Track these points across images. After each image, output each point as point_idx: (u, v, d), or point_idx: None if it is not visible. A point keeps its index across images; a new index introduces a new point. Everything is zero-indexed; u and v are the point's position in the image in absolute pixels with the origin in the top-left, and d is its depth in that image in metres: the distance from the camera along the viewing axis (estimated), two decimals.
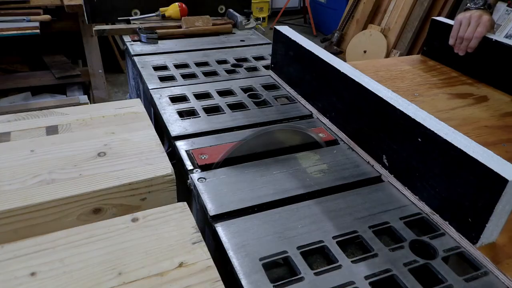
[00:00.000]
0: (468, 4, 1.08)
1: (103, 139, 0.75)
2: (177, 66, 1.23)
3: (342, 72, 0.82)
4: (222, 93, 1.05)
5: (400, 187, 0.71)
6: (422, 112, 0.67)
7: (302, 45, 0.95)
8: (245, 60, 1.32)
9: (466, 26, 1.05)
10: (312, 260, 0.58)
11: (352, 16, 3.73)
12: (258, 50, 1.40)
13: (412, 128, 0.66)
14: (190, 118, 0.92)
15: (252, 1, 1.75)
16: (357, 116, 0.80)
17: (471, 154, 0.56)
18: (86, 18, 1.53)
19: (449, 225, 0.62)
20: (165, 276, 0.49)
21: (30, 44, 2.48)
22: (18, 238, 0.54)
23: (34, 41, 2.37)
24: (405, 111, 0.67)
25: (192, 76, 1.18)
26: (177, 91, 1.05)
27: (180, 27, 1.50)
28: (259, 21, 1.98)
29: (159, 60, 1.26)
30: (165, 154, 0.71)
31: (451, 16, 3.46)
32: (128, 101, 0.89)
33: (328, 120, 0.90)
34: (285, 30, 1.05)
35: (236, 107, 0.99)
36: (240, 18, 1.59)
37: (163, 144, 0.75)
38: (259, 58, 1.33)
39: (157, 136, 0.77)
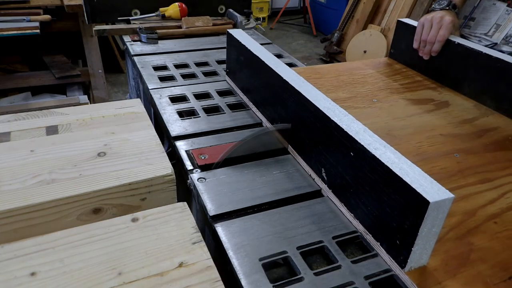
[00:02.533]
0: (433, 5, 1.05)
1: (103, 139, 0.75)
2: (177, 66, 1.23)
3: (284, 79, 0.76)
4: (222, 93, 1.05)
5: (337, 203, 0.67)
6: (356, 124, 0.62)
7: (251, 49, 0.90)
8: None
9: (429, 29, 1.01)
10: (312, 260, 0.58)
11: (352, 16, 3.73)
12: None
13: (345, 142, 0.61)
14: (190, 118, 0.92)
15: (252, 1, 1.75)
16: (299, 126, 0.76)
17: (397, 172, 0.52)
18: (86, 18, 1.53)
19: (380, 247, 0.58)
20: (165, 276, 0.49)
21: (30, 44, 2.48)
22: (18, 238, 0.54)
23: (34, 41, 2.37)
24: (339, 123, 0.62)
25: (192, 76, 1.18)
26: (177, 91, 1.05)
27: (180, 27, 1.50)
28: (259, 21, 1.98)
29: (159, 60, 1.26)
30: (165, 154, 0.71)
31: None
32: (128, 101, 0.89)
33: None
34: (237, 33, 1.00)
35: (236, 107, 0.99)
36: (240, 18, 1.59)
37: (163, 144, 0.76)
38: None
39: (157, 136, 0.77)
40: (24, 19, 2.01)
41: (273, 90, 0.83)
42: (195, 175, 0.72)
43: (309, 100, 0.69)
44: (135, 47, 1.36)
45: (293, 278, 0.53)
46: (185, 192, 0.74)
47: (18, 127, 0.78)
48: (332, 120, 0.63)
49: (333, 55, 3.80)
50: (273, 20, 5.04)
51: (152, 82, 1.11)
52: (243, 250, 0.57)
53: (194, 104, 0.99)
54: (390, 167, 0.53)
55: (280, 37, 4.68)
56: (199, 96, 1.03)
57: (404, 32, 1.17)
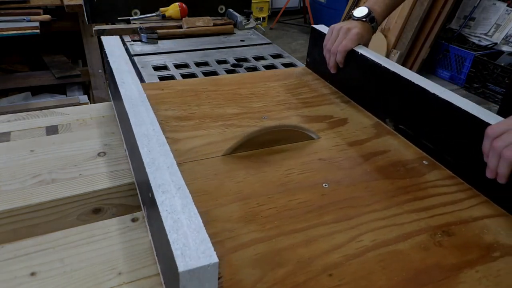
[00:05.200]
0: (352, 12, 0.95)
1: (103, 139, 0.75)
2: (177, 66, 1.23)
3: (122, 99, 0.66)
4: None
5: None
6: (165, 158, 0.51)
7: (110, 61, 0.79)
8: (245, 60, 1.32)
9: (334, 38, 0.92)
10: None
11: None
12: (258, 50, 1.40)
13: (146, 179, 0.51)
14: None
15: (252, 1, 1.75)
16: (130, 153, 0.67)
17: (166, 226, 0.40)
18: (86, 18, 1.53)
19: None
20: None
21: (30, 44, 2.47)
22: (18, 238, 0.54)
23: (34, 41, 2.36)
24: (143, 156, 0.51)
25: (192, 76, 1.18)
26: None
27: (180, 27, 1.50)
28: (259, 21, 1.98)
29: (159, 60, 1.26)
30: None
31: (450, 16, 3.46)
32: None
33: None
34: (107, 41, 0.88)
35: None
36: (240, 18, 1.59)
37: None
38: (259, 58, 1.33)
39: None
40: (24, 19, 2.01)
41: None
42: None
43: (131, 125, 0.59)
44: (135, 47, 1.36)
45: None
46: None
47: (18, 127, 0.78)
48: (140, 152, 0.52)
49: None
50: (273, 20, 5.04)
51: (152, 82, 1.11)
52: None
53: None
54: (164, 219, 0.41)
55: (280, 37, 4.68)
56: None
57: (317, 40, 1.02)
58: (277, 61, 1.31)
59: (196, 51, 1.36)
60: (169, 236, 0.39)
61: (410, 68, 3.77)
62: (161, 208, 0.42)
